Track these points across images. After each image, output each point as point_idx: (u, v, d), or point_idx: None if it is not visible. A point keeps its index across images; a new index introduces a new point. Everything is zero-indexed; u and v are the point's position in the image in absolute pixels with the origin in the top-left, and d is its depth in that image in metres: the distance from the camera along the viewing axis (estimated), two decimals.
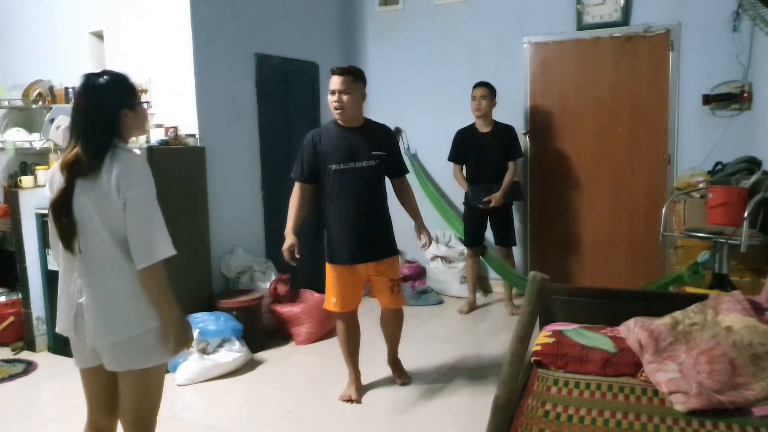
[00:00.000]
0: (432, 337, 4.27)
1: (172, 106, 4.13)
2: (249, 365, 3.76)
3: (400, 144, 5.07)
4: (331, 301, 3.24)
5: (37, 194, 3.92)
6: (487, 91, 4.57)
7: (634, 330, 2.22)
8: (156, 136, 3.93)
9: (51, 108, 4.26)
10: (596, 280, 4.93)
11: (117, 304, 1.91)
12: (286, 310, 4.20)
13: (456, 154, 4.74)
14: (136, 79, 3.88)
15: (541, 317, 2.52)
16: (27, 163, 4.63)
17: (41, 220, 3.95)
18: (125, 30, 4.33)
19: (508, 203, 4.66)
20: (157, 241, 1.88)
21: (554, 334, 2.32)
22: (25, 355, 4.05)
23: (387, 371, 3.48)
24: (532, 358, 2.27)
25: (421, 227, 3.34)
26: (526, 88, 5.05)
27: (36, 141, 4.42)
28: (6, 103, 4.67)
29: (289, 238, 3.17)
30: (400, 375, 3.44)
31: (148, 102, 3.93)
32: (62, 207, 1.89)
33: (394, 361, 3.48)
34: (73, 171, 1.87)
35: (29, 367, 3.84)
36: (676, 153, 4.63)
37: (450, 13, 5.26)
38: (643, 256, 4.82)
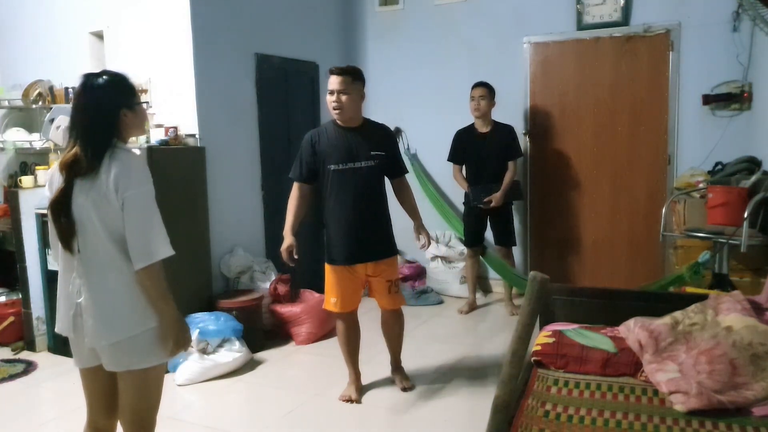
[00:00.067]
0: (432, 337, 4.27)
1: (172, 106, 4.13)
2: (249, 365, 3.76)
3: (400, 144, 5.07)
4: (330, 301, 3.24)
5: (37, 194, 3.91)
6: (485, 91, 4.57)
7: (634, 330, 2.22)
8: (156, 136, 3.93)
9: (51, 108, 4.26)
10: (596, 280, 4.93)
11: (116, 304, 1.91)
12: (286, 310, 4.20)
13: (455, 155, 4.74)
14: (136, 79, 3.88)
15: (541, 317, 2.52)
16: (27, 163, 4.63)
17: (41, 220, 3.95)
18: (125, 30, 4.33)
19: (508, 203, 4.66)
20: (155, 241, 1.88)
21: (554, 334, 2.32)
22: (25, 355, 4.05)
23: (387, 371, 3.47)
24: (532, 358, 2.27)
25: (420, 228, 3.34)
26: (526, 88, 5.05)
27: (36, 141, 4.41)
28: (6, 103, 4.67)
29: (288, 239, 3.17)
30: (402, 380, 3.40)
31: (147, 102, 3.92)
32: (61, 207, 1.89)
33: (397, 368, 3.45)
34: (72, 171, 1.87)
35: (29, 367, 3.84)
36: (676, 153, 4.63)
37: (450, 13, 5.26)
38: (643, 256, 4.82)
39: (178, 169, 3.90)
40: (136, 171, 1.90)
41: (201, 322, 3.65)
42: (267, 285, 4.26)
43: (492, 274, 5.19)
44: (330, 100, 3.08)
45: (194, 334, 3.54)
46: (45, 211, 2.00)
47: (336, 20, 5.55)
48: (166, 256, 1.90)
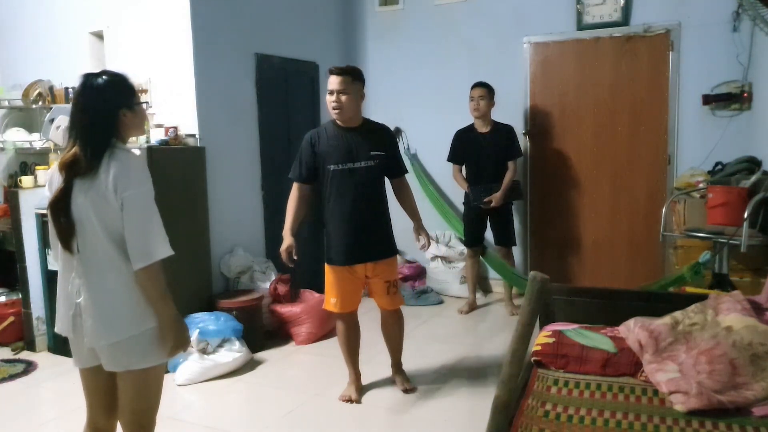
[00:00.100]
0: (432, 337, 4.27)
1: (172, 106, 4.13)
2: (249, 365, 3.76)
3: (400, 144, 5.07)
4: (330, 301, 3.24)
5: (37, 194, 3.92)
6: (485, 91, 4.57)
7: (634, 330, 2.22)
8: (156, 136, 3.93)
9: (51, 108, 4.26)
10: (596, 280, 4.93)
11: (115, 304, 1.91)
12: (286, 310, 4.20)
13: (455, 155, 4.74)
14: (136, 79, 3.89)
15: (541, 317, 2.52)
16: (27, 163, 4.63)
17: (41, 220, 3.96)
18: (125, 30, 4.33)
19: (508, 203, 4.66)
20: (154, 241, 1.88)
21: (554, 334, 2.32)
22: (25, 355, 4.05)
23: (387, 371, 3.47)
24: (532, 358, 2.27)
25: (419, 228, 3.34)
26: (526, 88, 5.05)
27: (36, 141, 4.42)
28: (6, 103, 4.67)
29: (287, 240, 3.16)
30: (404, 382, 3.39)
31: (147, 102, 3.93)
32: (60, 207, 1.89)
33: (398, 370, 3.44)
34: (72, 171, 1.87)
35: (29, 367, 3.84)
36: (676, 153, 4.63)
37: (450, 13, 5.26)
38: (643, 256, 4.82)
39: (178, 169, 3.90)
40: (136, 171, 1.90)
41: (201, 322, 3.65)
42: (267, 285, 4.26)
43: (492, 274, 5.19)
44: (329, 100, 3.07)
45: (194, 334, 3.54)
46: (45, 211, 2.00)
47: (336, 20, 5.55)
48: (165, 256, 1.90)
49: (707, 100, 4.39)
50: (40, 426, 3.10)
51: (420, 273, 5.36)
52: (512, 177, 4.59)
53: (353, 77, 3.07)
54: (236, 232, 4.41)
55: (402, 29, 5.46)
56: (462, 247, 5.10)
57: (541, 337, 2.35)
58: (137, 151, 3.52)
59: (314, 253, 4.47)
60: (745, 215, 2.81)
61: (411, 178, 3.43)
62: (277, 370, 3.75)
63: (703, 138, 4.46)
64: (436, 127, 5.16)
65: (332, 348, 3.75)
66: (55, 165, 1.97)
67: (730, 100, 4.33)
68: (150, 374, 1.98)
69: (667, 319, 2.24)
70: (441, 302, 5.12)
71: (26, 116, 4.80)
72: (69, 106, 2.02)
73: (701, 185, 3.72)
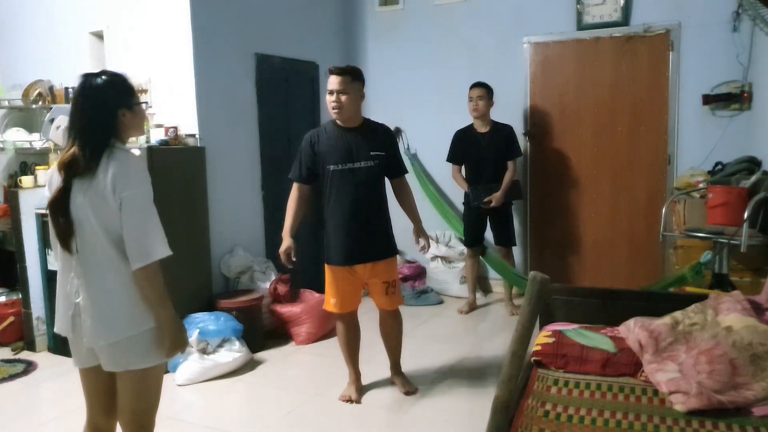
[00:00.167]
0: (432, 337, 4.27)
1: (172, 106, 4.13)
2: (249, 365, 3.76)
3: (400, 144, 5.07)
4: (330, 302, 3.24)
5: (37, 194, 3.92)
6: (483, 91, 4.57)
7: (634, 330, 2.22)
8: (156, 136, 3.93)
9: (51, 108, 4.26)
10: (596, 280, 4.93)
11: (114, 305, 1.91)
12: (286, 310, 4.20)
13: (455, 155, 4.74)
14: (136, 79, 3.89)
15: (541, 317, 2.52)
16: (27, 163, 4.63)
17: (41, 220, 3.96)
18: (125, 30, 4.33)
19: (507, 203, 4.66)
20: (152, 241, 1.88)
21: (554, 334, 2.32)
22: (25, 355, 4.05)
23: (387, 372, 3.46)
24: (532, 358, 2.27)
25: (419, 231, 3.33)
26: (526, 88, 5.05)
27: (36, 141, 4.42)
28: (6, 103, 4.67)
29: (286, 241, 3.16)
30: (404, 385, 3.37)
31: (146, 102, 3.92)
32: (59, 207, 1.89)
33: (397, 372, 3.43)
34: (70, 171, 1.88)
35: (29, 367, 3.84)
36: (676, 153, 4.63)
37: (450, 13, 5.26)
38: (643, 256, 4.82)
39: (178, 169, 3.90)
40: (134, 171, 1.90)
41: (201, 322, 3.65)
42: (267, 285, 4.26)
43: (492, 274, 5.19)
44: (329, 100, 3.07)
45: (194, 334, 3.54)
46: (45, 211, 2.00)
47: (336, 20, 5.55)
48: (164, 257, 1.90)
49: (707, 100, 4.39)
50: (40, 426, 3.10)
51: (420, 273, 5.35)
52: (512, 177, 4.59)
53: (353, 77, 3.06)
54: (236, 232, 4.41)
55: (402, 29, 5.46)
56: (462, 247, 5.10)
57: (541, 337, 2.35)
58: (137, 152, 3.52)
59: (314, 254, 4.47)
60: (746, 215, 2.81)
61: (411, 178, 3.42)
62: (277, 370, 3.75)
63: (703, 138, 4.46)
64: (436, 127, 5.16)
65: (332, 348, 3.75)
66: (54, 165, 1.97)
67: (730, 100, 4.33)
68: (149, 374, 1.98)
69: (667, 319, 2.24)
70: (441, 302, 5.12)
71: (26, 116, 4.80)
72: (69, 106, 2.02)
73: (701, 185, 3.73)
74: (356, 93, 3.08)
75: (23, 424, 3.13)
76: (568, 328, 2.37)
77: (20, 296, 4.15)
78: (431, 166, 5.37)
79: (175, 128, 3.97)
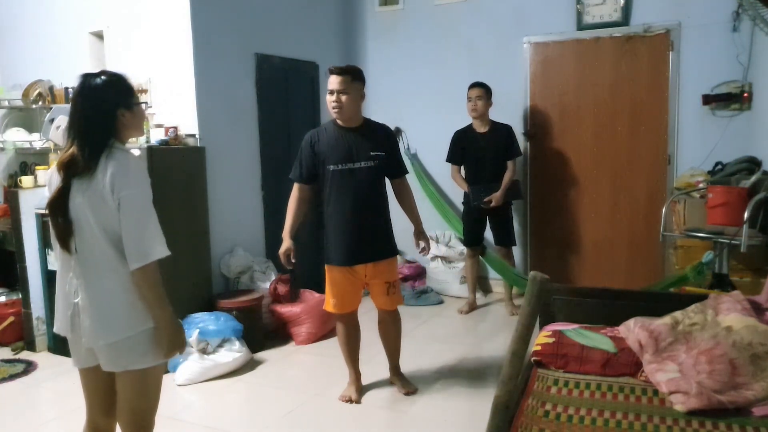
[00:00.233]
0: (432, 337, 4.27)
1: (172, 106, 4.13)
2: (249, 365, 3.76)
3: (400, 144, 5.07)
4: (330, 302, 3.23)
5: (37, 194, 3.92)
6: (482, 91, 4.57)
7: (634, 330, 2.22)
8: (156, 136, 3.93)
9: (51, 108, 4.26)
10: (596, 280, 4.93)
11: (112, 305, 1.91)
12: (286, 310, 4.20)
13: (454, 155, 4.73)
14: (136, 79, 3.89)
15: (541, 317, 2.52)
16: (27, 163, 4.63)
17: (41, 220, 3.96)
18: (125, 30, 4.33)
19: (507, 203, 4.66)
20: (150, 241, 1.88)
21: (554, 334, 2.32)
22: (25, 355, 4.05)
23: (387, 372, 3.46)
24: (532, 358, 2.27)
25: (420, 233, 3.33)
26: (526, 88, 5.05)
27: (36, 141, 4.42)
28: (6, 103, 4.67)
29: (286, 242, 3.16)
30: (404, 385, 3.36)
31: (146, 102, 3.93)
32: (58, 207, 1.89)
33: (397, 373, 3.42)
34: (69, 171, 1.88)
35: (29, 367, 3.84)
36: (676, 153, 4.63)
37: (450, 13, 5.26)
38: (643, 256, 4.82)
39: (178, 169, 3.90)
40: (133, 171, 1.89)
41: (201, 322, 3.65)
42: (267, 285, 4.26)
43: (492, 274, 5.19)
44: (329, 100, 3.07)
45: (194, 334, 3.54)
46: (45, 211, 2.00)
47: (336, 20, 5.55)
48: (162, 257, 1.90)
49: (707, 100, 4.39)
50: (40, 426, 3.10)
51: (420, 273, 5.36)
52: (512, 176, 4.59)
53: (353, 77, 3.06)
54: (236, 232, 4.41)
55: (402, 29, 5.46)
56: (462, 247, 5.10)
57: (541, 337, 2.35)
58: (136, 152, 3.52)
59: (314, 253, 4.47)
60: (746, 216, 2.81)
61: (411, 178, 3.42)
62: (277, 370, 3.75)
63: (703, 138, 4.46)
64: (436, 127, 5.16)
65: (332, 348, 3.75)
66: (54, 165, 1.97)
67: (730, 100, 4.33)
68: (148, 374, 1.97)
69: (667, 319, 2.24)
70: (441, 302, 5.12)
71: (26, 116, 4.80)
72: (69, 106, 2.02)
73: (701, 185, 3.73)
74: (356, 93, 3.08)
75: (23, 424, 3.13)
76: (568, 328, 2.37)
77: (20, 296, 4.16)
78: (431, 166, 5.37)
79: (175, 128, 3.97)
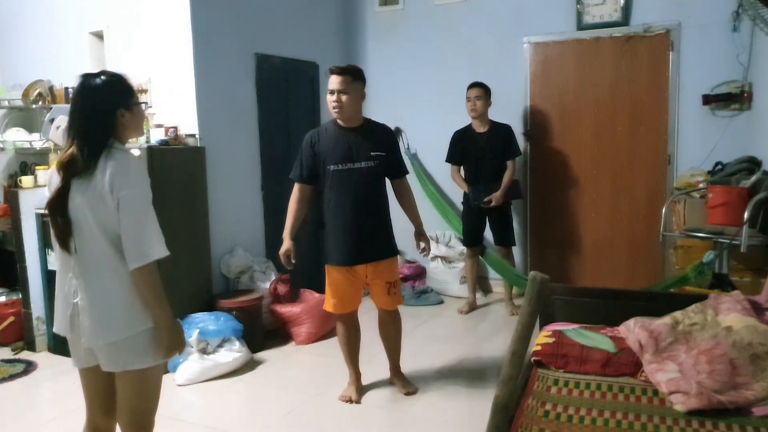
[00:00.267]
0: (432, 337, 4.27)
1: (172, 106, 4.13)
2: (249, 365, 3.76)
3: (400, 144, 5.07)
4: (330, 302, 3.23)
5: (37, 194, 3.92)
6: (481, 91, 4.57)
7: (634, 330, 2.22)
8: (156, 136, 3.93)
9: (51, 108, 4.26)
10: (596, 280, 4.93)
11: (112, 305, 1.91)
12: (286, 310, 4.20)
13: (453, 155, 4.73)
14: (136, 79, 3.89)
15: (541, 317, 2.52)
16: (27, 163, 4.63)
17: (41, 220, 3.96)
18: (125, 30, 4.33)
19: (507, 202, 4.66)
20: (149, 241, 1.87)
21: (554, 334, 2.32)
22: (25, 355, 4.05)
23: (387, 372, 3.46)
24: (532, 358, 2.27)
25: (420, 234, 3.33)
26: (526, 88, 5.05)
27: (36, 141, 4.42)
28: (6, 103, 4.67)
29: (286, 243, 3.16)
30: (405, 386, 3.36)
31: (145, 103, 3.93)
32: (58, 207, 1.89)
33: (397, 373, 3.42)
34: (69, 171, 1.88)
35: (29, 367, 3.84)
36: (676, 153, 4.63)
37: (450, 13, 5.26)
38: (643, 256, 4.82)
39: (178, 169, 3.90)
40: (132, 171, 1.89)
41: (201, 322, 3.65)
42: (267, 285, 4.26)
43: (492, 274, 5.19)
44: (330, 100, 3.07)
45: (194, 334, 3.54)
46: (45, 211, 2.00)
47: (336, 20, 5.55)
48: (161, 257, 1.90)
49: (707, 100, 4.39)
50: (40, 426, 3.10)
51: (420, 273, 5.36)
52: (511, 176, 4.59)
53: (354, 77, 3.06)
54: (236, 232, 4.41)
55: (402, 29, 5.46)
56: (462, 247, 5.10)
57: (541, 337, 2.35)
58: (136, 152, 3.52)
59: (314, 253, 4.47)
60: (746, 216, 2.81)
61: (411, 177, 3.42)
62: (277, 370, 3.75)
63: (703, 138, 4.46)
64: (436, 127, 5.16)
65: (332, 348, 3.75)
66: (54, 165, 1.97)
67: (730, 100, 4.33)
68: (148, 374, 1.97)
69: (667, 319, 2.24)
70: (441, 302, 5.12)
71: (26, 116, 4.80)
72: (69, 106, 2.02)
73: (701, 185, 3.72)
74: (357, 93, 3.08)
75: (23, 424, 3.13)
76: (568, 328, 2.37)
77: (20, 296, 4.15)
78: (431, 165, 5.37)
79: (175, 128, 3.97)
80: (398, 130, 5.28)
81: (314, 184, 3.19)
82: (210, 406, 3.31)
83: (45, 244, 3.98)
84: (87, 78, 1.92)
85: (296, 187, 3.21)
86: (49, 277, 3.98)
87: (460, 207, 4.96)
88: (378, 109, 5.18)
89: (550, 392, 2.03)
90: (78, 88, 1.93)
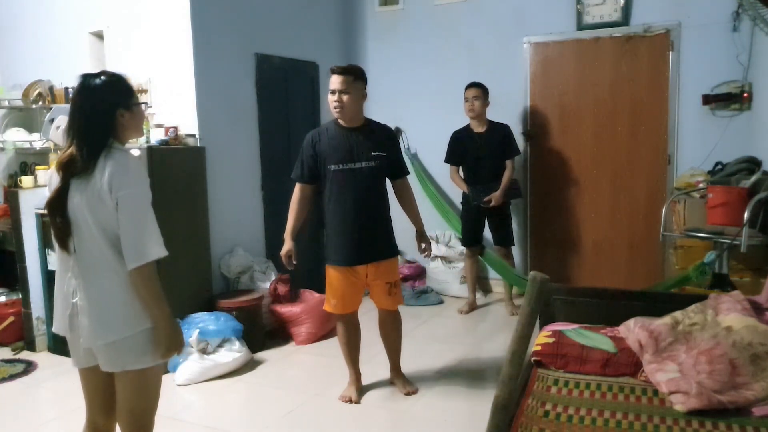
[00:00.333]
0: (432, 337, 4.27)
1: (172, 106, 4.13)
2: (249, 365, 3.76)
3: (400, 144, 5.07)
4: (331, 302, 3.23)
5: (37, 194, 3.92)
6: (479, 91, 4.57)
7: (634, 330, 2.22)
8: (156, 136, 3.93)
9: (51, 108, 4.26)
10: (596, 280, 4.93)
11: (110, 304, 1.90)
12: (286, 310, 4.20)
13: (452, 156, 4.74)
14: (136, 79, 3.89)
15: (541, 317, 2.52)
16: (27, 163, 4.63)
17: (41, 220, 3.96)
18: (125, 30, 4.33)
19: (506, 202, 4.66)
20: (148, 241, 1.87)
21: (554, 334, 2.32)
22: (25, 355, 4.05)
23: (387, 372, 3.45)
24: (532, 358, 2.27)
25: (421, 235, 3.33)
26: (526, 88, 5.05)
27: (36, 141, 4.42)
28: (6, 103, 4.67)
29: (287, 244, 3.16)
30: (405, 386, 3.36)
31: (145, 103, 3.93)
32: (57, 207, 1.89)
33: (397, 372, 3.42)
34: (68, 171, 1.88)
35: (29, 367, 3.84)
36: (676, 153, 4.63)
37: (450, 13, 5.26)
38: (643, 257, 4.82)
39: (178, 169, 3.90)
40: (131, 171, 1.89)
41: (201, 322, 3.65)
42: (267, 285, 4.26)
43: (492, 274, 5.19)
44: (331, 100, 3.06)
45: (194, 334, 3.54)
46: (45, 211, 2.00)
47: (336, 20, 5.55)
48: (159, 257, 1.89)
49: (707, 100, 4.39)
50: (40, 426, 3.10)
51: (420, 273, 5.36)
52: (511, 176, 4.59)
53: (355, 77, 3.06)
54: (236, 232, 4.41)
55: (402, 29, 5.46)
56: (462, 247, 5.09)
57: (541, 337, 2.35)
58: (136, 152, 3.52)
59: (314, 254, 4.47)
60: (746, 216, 2.81)
61: (411, 177, 3.42)
62: (277, 370, 3.75)
63: (703, 138, 4.46)
64: (436, 127, 5.16)
65: (332, 348, 3.75)
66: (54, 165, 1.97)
67: (730, 100, 4.33)
68: (147, 375, 1.97)
69: (667, 319, 2.24)
70: (441, 302, 5.12)
71: (26, 116, 4.80)
72: (69, 106, 2.02)
73: (701, 185, 3.73)
74: (358, 93, 3.08)
75: (23, 424, 3.13)
76: (568, 328, 2.37)
77: (20, 296, 4.15)
78: (431, 165, 5.37)
79: (175, 128, 3.97)
80: (398, 130, 5.28)
81: (315, 183, 3.18)
82: (210, 406, 3.31)
83: (45, 244, 3.98)
84: (87, 78, 1.92)
85: (297, 187, 3.21)
86: (49, 277, 3.98)
87: (460, 207, 4.96)
88: (378, 109, 5.17)
89: (550, 392, 2.03)
90: (78, 88, 1.93)
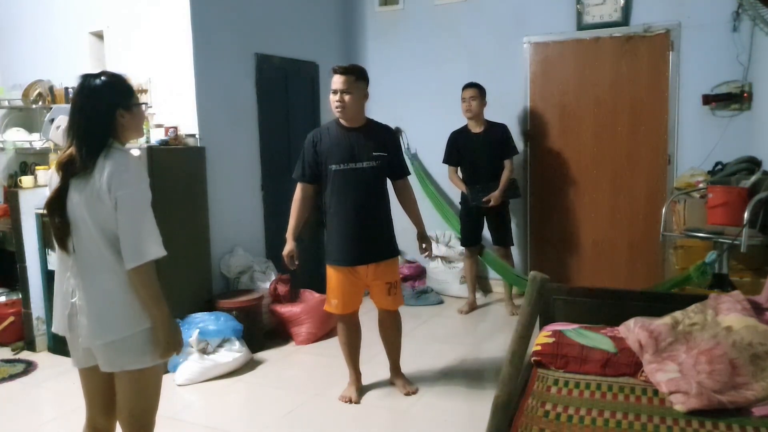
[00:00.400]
0: (432, 337, 4.27)
1: (172, 106, 4.13)
2: (249, 365, 3.76)
3: (401, 144, 5.07)
4: (332, 303, 3.23)
5: (37, 194, 3.92)
6: (476, 91, 4.57)
7: (634, 330, 2.22)
8: (156, 136, 3.93)
9: (51, 108, 4.26)
10: (596, 280, 4.93)
11: (109, 304, 1.90)
12: (286, 310, 4.20)
13: (450, 156, 4.74)
14: (136, 79, 3.89)
15: (541, 317, 2.52)
16: (27, 163, 4.64)
17: (41, 220, 3.96)
18: (125, 30, 4.33)
19: (504, 202, 4.66)
20: (146, 241, 1.87)
21: (554, 334, 2.32)
22: (25, 355, 4.05)
23: (387, 372, 3.45)
24: (532, 358, 2.27)
25: (422, 235, 3.33)
26: (526, 88, 5.05)
27: (36, 141, 4.42)
28: (6, 103, 4.67)
29: (289, 244, 3.17)
30: (405, 386, 3.36)
31: (146, 103, 3.93)
32: (56, 206, 1.90)
33: (397, 372, 3.42)
34: (68, 170, 1.88)
35: (29, 367, 3.84)
36: (676, 153, 4.63)
37: (450, 13, 5.26)
38: (643, 257, 4.82)
39: (178, 169, 3.90)
40: (130, 171, 1.89)
41: (201, 322, 3.65)
42: (267, 285, 4.26)
43: (492, 274, 5.19)
44: (333, 100, 3.06)
45: (194, 334, 3.54)
46: (44, 211, 2.00)
47: (336, 20, 5.55)
48: (158, 257, 1.89)
49: (707, 100, 4.39)
50: (40, 426, 3.10)
51: (420, 273, 5.36)
52: (509, 175, 4.59)
53: (357, 76, 3.06)
54: (236, 232, 4.41)
55: (402, 29, 5.46)
56: (462, 247, 5.10)
57: (541, 337, 2.35)
58: (136, 152, 3.52)
59: (315, 254, 4.48)
60: (746, 216, 2.81)
61: (411, 177, 3.42)
62: (277, 370, 3.75)
63: (703, 138, 4.46)
64: (436, 127, 5.15)
65: (332, 348, 3.75)
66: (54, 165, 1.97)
67: (730, 100, 4.33)
68: (147, 375, 1.97)
69: (667, 319, 2.24)
70: (441, 302, 5.12)
71: (26, 116, 4.80)
72: (69, 106, 2.02)
73: (701, 185, 3.72)
74: (360, 93, 3.08)
75: (23, 424, 3.13)
76: (568, 328, 2.37)
77: (20, 296, 4.15)
78: (431, 165, 5.37)
79: (175, 128, 3.97)
80: (398, 130, 5.27)
81: (317, 183, 3.18)
82: (210, 406, 3.31)
83: (45, 244, 3.98)
84: (87, 78, 1.92)
85: (299, 187, 3.21)
86: (49, 277, 3.98)
87: (459, 207, 4.96)
88: (378, 109, 5.16)
89: (550, 392, 2.04)
90: (78, 89, 1.93)
